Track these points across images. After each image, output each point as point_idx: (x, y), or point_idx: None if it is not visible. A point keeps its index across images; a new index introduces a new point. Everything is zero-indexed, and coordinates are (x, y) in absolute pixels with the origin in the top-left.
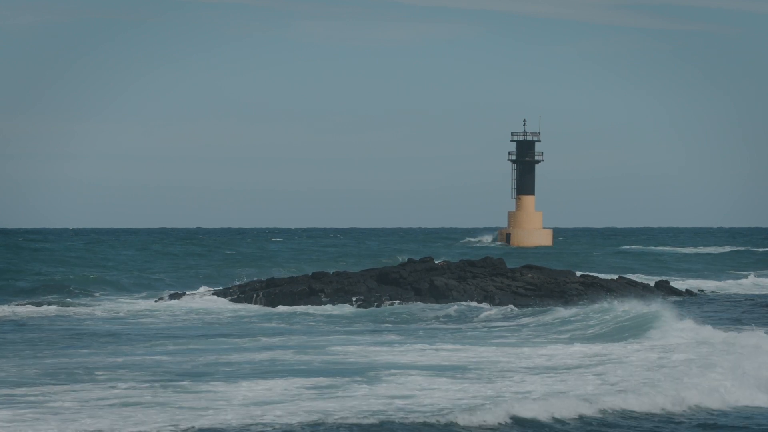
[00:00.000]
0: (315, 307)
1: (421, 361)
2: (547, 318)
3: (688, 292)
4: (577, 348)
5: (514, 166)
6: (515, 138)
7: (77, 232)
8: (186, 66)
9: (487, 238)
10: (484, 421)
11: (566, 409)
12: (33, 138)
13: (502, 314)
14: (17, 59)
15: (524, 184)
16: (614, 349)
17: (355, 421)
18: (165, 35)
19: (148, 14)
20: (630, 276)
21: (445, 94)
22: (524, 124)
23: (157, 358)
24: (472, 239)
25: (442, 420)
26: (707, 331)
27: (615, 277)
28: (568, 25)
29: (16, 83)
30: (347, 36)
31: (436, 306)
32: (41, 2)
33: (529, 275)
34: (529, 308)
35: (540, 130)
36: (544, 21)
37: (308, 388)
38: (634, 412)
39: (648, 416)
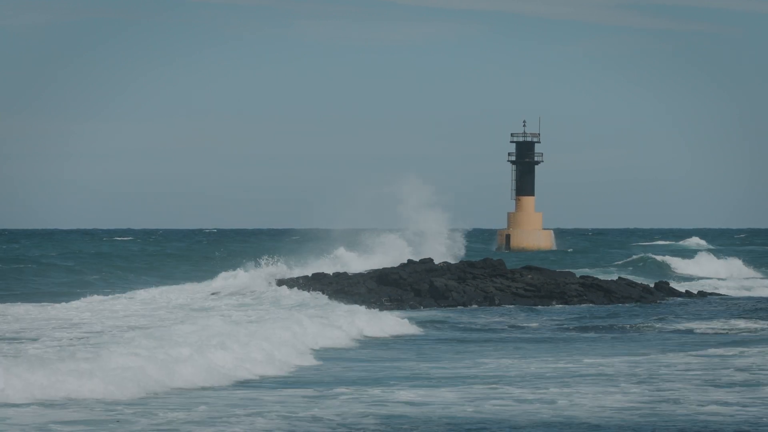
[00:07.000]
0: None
1: None
2: None
3: (688, 293)
4: None
5: (514, 167)
6: (515, 139)
7: (67, 233)
8: (185, 66)
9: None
10: None
11: None
12: (31, 138)
13: None
14: (16, 59)
15: (524, 185)
16: None
17: None
18: (164, 35)
19: (147, 14)
20: None
21: (445, 94)
22: (524, 125)
23: None
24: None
25: None
26: None
27: (614, 277)
28: (569, 25)
29: (15, 83)
30: (347, 36)
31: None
32: (41, 2)
33: (529, 276)
34: None
35: (540, 131)
36: (545, 21)
37: None
38: None
39: None
